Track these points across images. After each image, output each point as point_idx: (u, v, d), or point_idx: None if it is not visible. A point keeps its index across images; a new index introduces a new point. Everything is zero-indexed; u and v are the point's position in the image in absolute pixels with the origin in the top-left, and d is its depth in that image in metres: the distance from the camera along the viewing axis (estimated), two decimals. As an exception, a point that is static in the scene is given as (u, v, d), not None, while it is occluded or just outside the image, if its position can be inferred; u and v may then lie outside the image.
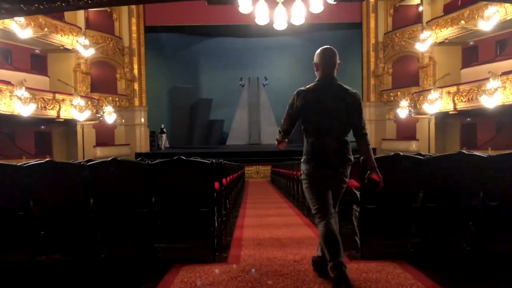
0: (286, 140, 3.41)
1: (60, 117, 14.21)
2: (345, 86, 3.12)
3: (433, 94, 14.72)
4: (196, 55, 30.49)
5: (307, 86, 3.13)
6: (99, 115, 15.90)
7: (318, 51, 3.18)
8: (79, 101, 14.35)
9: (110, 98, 19.72)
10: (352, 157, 3.19)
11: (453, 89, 14.80)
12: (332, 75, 3.12)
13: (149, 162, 4.15)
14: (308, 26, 27.30)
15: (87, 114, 14.51)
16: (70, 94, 14.77)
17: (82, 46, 16.17)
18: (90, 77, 18.86)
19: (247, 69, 29.65)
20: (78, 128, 17.92)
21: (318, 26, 26.61)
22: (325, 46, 3.18)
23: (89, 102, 15.20)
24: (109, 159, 4.01)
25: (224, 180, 6.07)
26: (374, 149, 21.95)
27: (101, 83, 20.37)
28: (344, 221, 4.07)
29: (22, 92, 12.50)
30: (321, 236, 2.98)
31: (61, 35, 16.00)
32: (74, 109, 14.24)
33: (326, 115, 3.05)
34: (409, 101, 17.81)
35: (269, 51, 30.80)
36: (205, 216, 4.00)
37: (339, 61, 3.15)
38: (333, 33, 28.07)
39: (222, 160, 6.60)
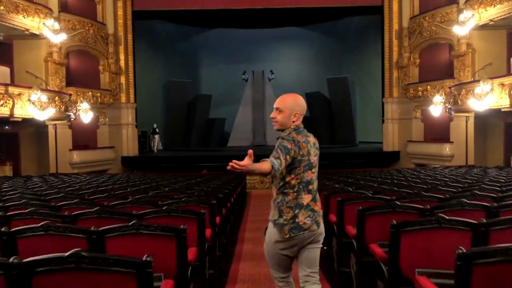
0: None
1: (15, 115, 11.39)
2: None
3: (483, 87, 11.73)
4: (194, 47, 27.65)
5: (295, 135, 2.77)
6: (70, 113, 13.07)
7: (301, 99, 2.89)
8: (39, 95, 11.50)
9: (90, 93, 16.87)
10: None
11: (509, 79, 11.79)
12: None
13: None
14: (320, 14, 24.56)
15: (51, 112, 11.68)
16: (30, 88, 11.94)
17: (51, 31, 13.33)
18: (65, 68, 16.01)
19: (251, 62, 26.76)
20: (50, 129, 15.14)
21: (331, 12, 23.79)
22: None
23: (57, 98, 12.38)
24: None
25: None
26: (397, 152, 19.02)
27: (80, 76, 17.54)
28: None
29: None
30: None
31: (24, 16, 13.16)
32: (33, 106, 11.39)
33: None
34: (444, 97, 14.82)
35: (275, 42, 27.93)
36: None
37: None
38: (348, 21, 25.23)
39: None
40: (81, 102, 14.61)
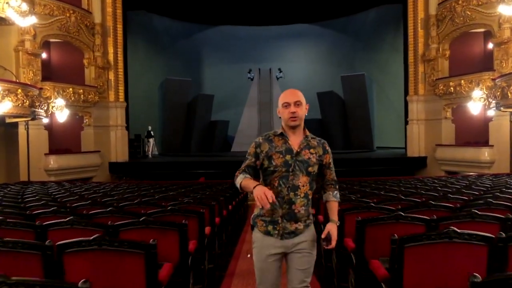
0: None
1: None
2: None
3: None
4: (196, 45, 25.64)
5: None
6: (38, 110, 10.87)
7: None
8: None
9: (71, 89, 14.70)
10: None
11: None
12: None
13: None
14: (333, 8, 22.41)
15: (6, 105, 9.46)
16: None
17: (17, 12, 11.16)
18: (40, 60, 13.88)
19: (257, 62, 24.62)
20: (21, 130, 13.01)
21: (347, 5, 21.75)
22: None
23: (20, 90, 10.20)
24: None
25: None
26: (424, 158, 16.62)
27: (61, 70, 15.53)
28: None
29: None
30: None
31: (-18, -5, 11.04)
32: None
33: None
34: (485, 91, 12.41)
35: (284, 41, 25.87)
36: None
37: None
38: (363, 16, 23.08)
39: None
40: (55, 98, 12.38)
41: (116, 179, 16.68)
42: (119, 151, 16.74)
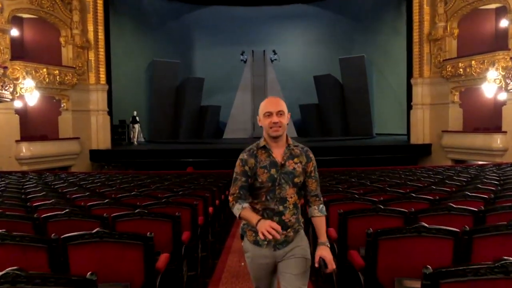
0: None
1: None
2: None
3: None
4: (187, 26, 24.13)
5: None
6: (0, 91, 9.60)
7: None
8: None
9: (45, 70, 13.39)
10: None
11: None
12: None
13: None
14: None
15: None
16: None
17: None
18: (8, 37, 12.52)
19: (250, 44, 23.22)
20: (-13, 114, 11.74)
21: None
22: None
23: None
24: None
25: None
26: (429, 146, 15.55)
27: (35, 49, 14.22)
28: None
29: None
30: None
31: None
32: None
33: None
34: (501, 72, 11.27)
35: (278, 22, 24.43)
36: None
37: None
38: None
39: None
40: (24, 78, 11.07)
41: (98, 168, 15.49)
42: (100, 137, 15.52)
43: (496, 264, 1.76)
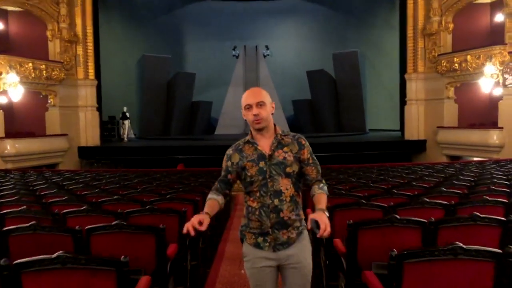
0: None
1: None
2: None
3: None
4: (178, 20, 23.77)
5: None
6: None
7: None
8: None
9: (31, 64, 12.98)
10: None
11: None
12: None
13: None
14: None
15: None
16: None
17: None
18: (-8, 30, 12.14)
19: (243, 39, 22.90)
20: (-30, 110, 11.33)
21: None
22: None
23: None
24: None
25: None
26: (423, 142, 15.41)
27: (21, 43, 13.80)
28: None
29: None
30: None
31: None
32: None
33: None
34: (498, 67, 11.10)
35: (271, 16, 24.18)
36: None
37: None
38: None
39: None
40: (7, 73, 10.69)
41: (87, 165, 15.13)
42: (89, 134, 15.16)
43: (448, 247, 2.10)
